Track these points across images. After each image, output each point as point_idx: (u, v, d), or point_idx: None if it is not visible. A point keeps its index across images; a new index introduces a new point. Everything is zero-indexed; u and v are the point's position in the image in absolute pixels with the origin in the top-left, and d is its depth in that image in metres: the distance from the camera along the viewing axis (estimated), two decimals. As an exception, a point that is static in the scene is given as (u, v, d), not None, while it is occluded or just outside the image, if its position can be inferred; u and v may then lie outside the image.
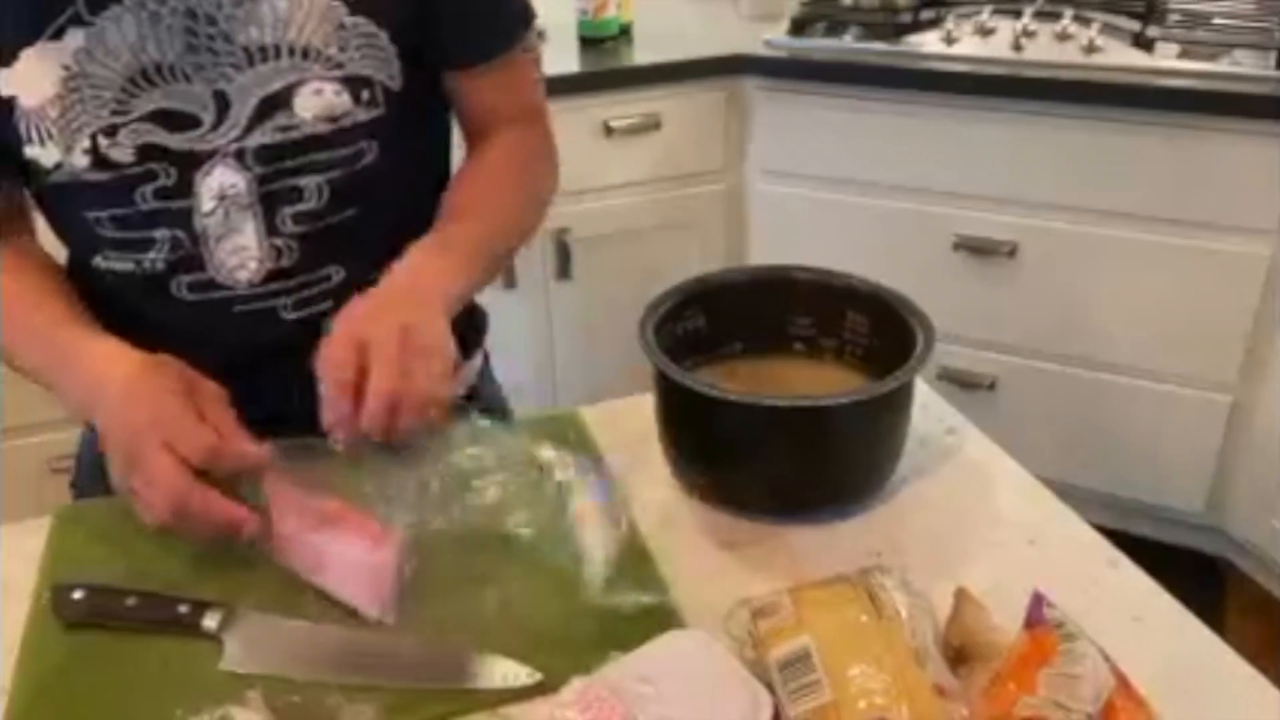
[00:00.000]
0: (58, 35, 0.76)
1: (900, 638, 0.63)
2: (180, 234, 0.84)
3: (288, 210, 0.85)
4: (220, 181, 0.82)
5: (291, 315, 0.89)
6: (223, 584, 0.77)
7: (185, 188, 0.83)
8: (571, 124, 1.97)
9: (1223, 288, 1.82)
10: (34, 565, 0.81)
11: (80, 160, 0.80)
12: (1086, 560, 0.79)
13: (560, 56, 2.04)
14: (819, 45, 2.01)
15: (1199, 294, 1.84)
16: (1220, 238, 1.79)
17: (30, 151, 0.81)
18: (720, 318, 0.94)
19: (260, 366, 0.84)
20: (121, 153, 0.80)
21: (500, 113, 0.97)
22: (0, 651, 0.73)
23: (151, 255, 0.85)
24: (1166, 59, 1.79)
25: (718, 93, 2.04)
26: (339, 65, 0.82)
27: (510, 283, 2.00)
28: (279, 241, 0.86)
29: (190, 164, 0.82)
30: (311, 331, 0.79)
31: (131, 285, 0.87)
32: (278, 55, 0.80)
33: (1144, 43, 1.81)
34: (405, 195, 0.91)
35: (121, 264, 0.87)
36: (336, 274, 0.89)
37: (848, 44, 1.99)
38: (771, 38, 2.02)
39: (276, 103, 0.81)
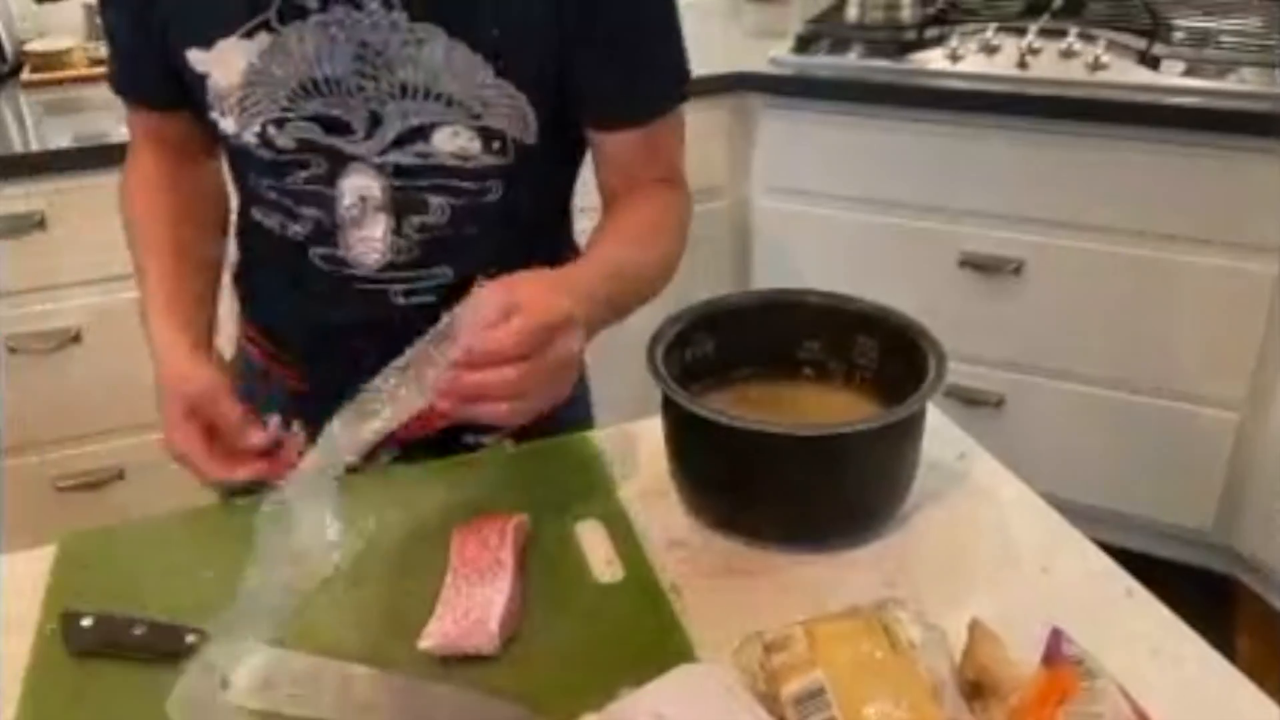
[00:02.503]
0: (249, 35, 0.88)
1: (916, 673, 0.62)
2: (323, 215, 0.96)
3: (414, 218, 0.95)
4: (360, 182, 0.94)
5: (401, 300, 0.98)
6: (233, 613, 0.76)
7: (331, 179, 0.94)
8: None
9: (1230, 305, 1.81)
10: (35, 595, 0.80)
11: (250, 139, 0.93)
12: (1101, 589, 0.79)
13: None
14: (824, 63, 2.01)
15: (1206, 311, 1.83)
16: (1227, 255, 1.78)
17: (212, 116, 0.94)
18: (729, 342, 0.93)
19: (367, 337, 0.91)
20: (284, 140, 0.92)
21: (639, 174, 0.98)
22: (1, 683, 0.73)
23: (296, 227, 0.98)
24: (1172, 76, 1.79)
25: (722, 110, 2.04)
26: (477, 116, 0.90)
27: None
28: (401, 241, 0.96)
29: (338, 162, 0.93)
30: (415, 315, 0.90)
31: (278, 242, 1.00)
32: (426, 97, 0.89)
33: (1149, 60, 1.81)
34: (521, 225, 0.99)
35: (270, 223, 0.99)
36: (445, 274, 0.98)
37: (852, 61, 1.99)
38: (776, 55, 2.02)
39: (417, 134, 0.91)
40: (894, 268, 1.99)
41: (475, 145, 0.91)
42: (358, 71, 0.88)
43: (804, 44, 2.04)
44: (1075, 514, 0.85)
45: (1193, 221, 1.79)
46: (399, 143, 0.91)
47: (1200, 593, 1.94)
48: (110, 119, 1.92)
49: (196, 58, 0.90)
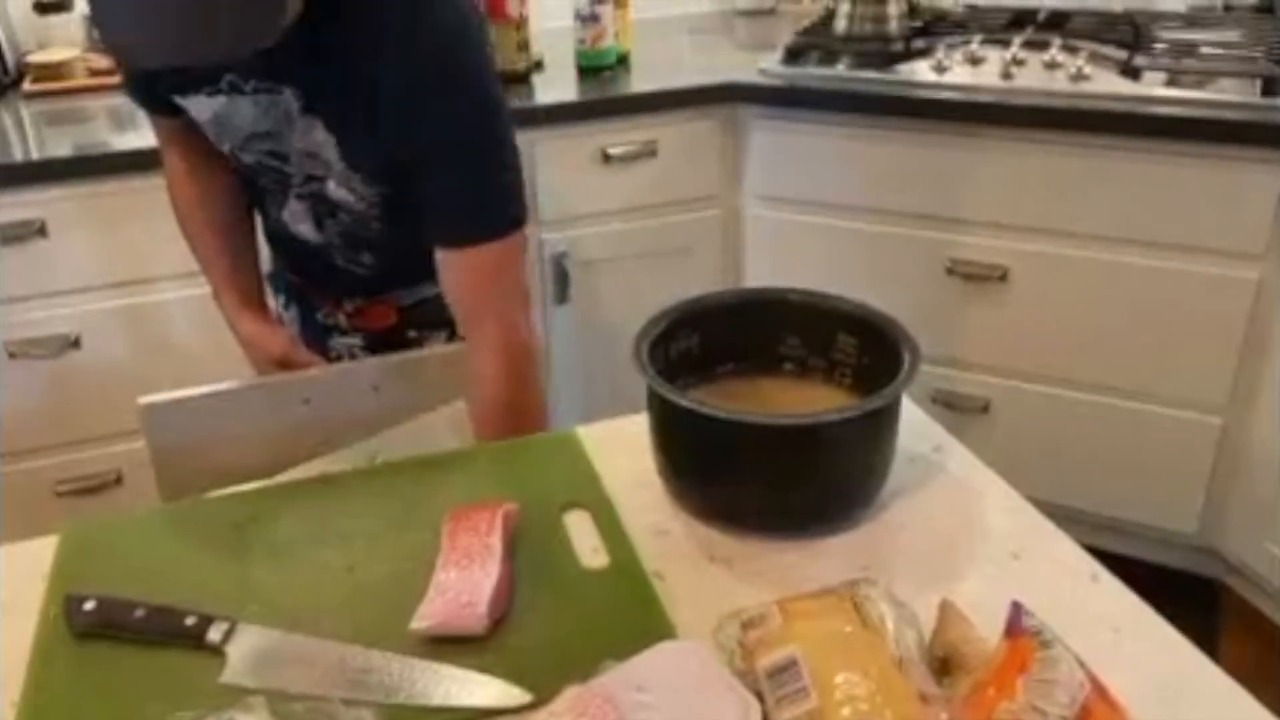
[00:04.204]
0: (211, 95, 1.14)
1: (884, 647, 0.65)
2: (276, 210, 1.28)
3: (329, 223, 1.25)
4: (292, 199, 1.24)
5: (340, 263, 1.30)
6: (229, 598, 0.79)
7: (281, 189, 1.24)
8: (570, 151, 2.00)
9: (1212, 311, 1.84)
10: (38, 581, 0.83)
11: (227, 153, 1.21)
12: (1069, 574, 0.81)
13: (559, 86, 2.08)
14: (813, 74, 2.04)
15: (1188, 317, 1.86)
16: (1208, 262, 1.81)
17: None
18: (713, 339, 0.96)
19: (318, 273, 1.34)
20: (249, 159, 1.20)
21: (468, 301, 1.17)
22: (6, 666, 0.75)
23: (273, 213, 1.29)
24: (1153, 87, 1.82)
25: (713, 120, 2.07)
26: (347, 178, 1.17)
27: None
28: (328, 235, 1.27)
29: (284, 179, 1.21)
30: (350, 268, 1.30)
31: (268, 217, 1.33)
32: (315, 162, 1.16)
33: (1131, 71, 1.85)
34: (413, 236, 1.18)
35: (262, 205, 1.32)
36: (368, 257, 1.29)
37: (841, 72, 2.03)
38: (766, 66, 2.06)
39: (316, 179, 1.19)
40: (882, 274, 2.02)
41: (352, 197, 1.18)
42: (279, 133, 1.14)
43: (793, 55, 2.08)
44: (1060, 518, 0.87)
45: (1174, 229, 1.82)
46: (305, 181, 1.20)
47: (1186, 597, 1.96)
48: (110, 129, 1.96)
49: (178, 99, 1.17)
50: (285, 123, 1.13)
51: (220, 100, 1.14)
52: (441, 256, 1.15)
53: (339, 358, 1.39)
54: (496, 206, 1.13)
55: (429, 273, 1.18)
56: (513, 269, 1.17)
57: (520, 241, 1.16)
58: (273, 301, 1.40)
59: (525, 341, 1.19)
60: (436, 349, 1.29)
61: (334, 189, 1.18)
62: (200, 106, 1.16)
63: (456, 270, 1.15)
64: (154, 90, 1.20)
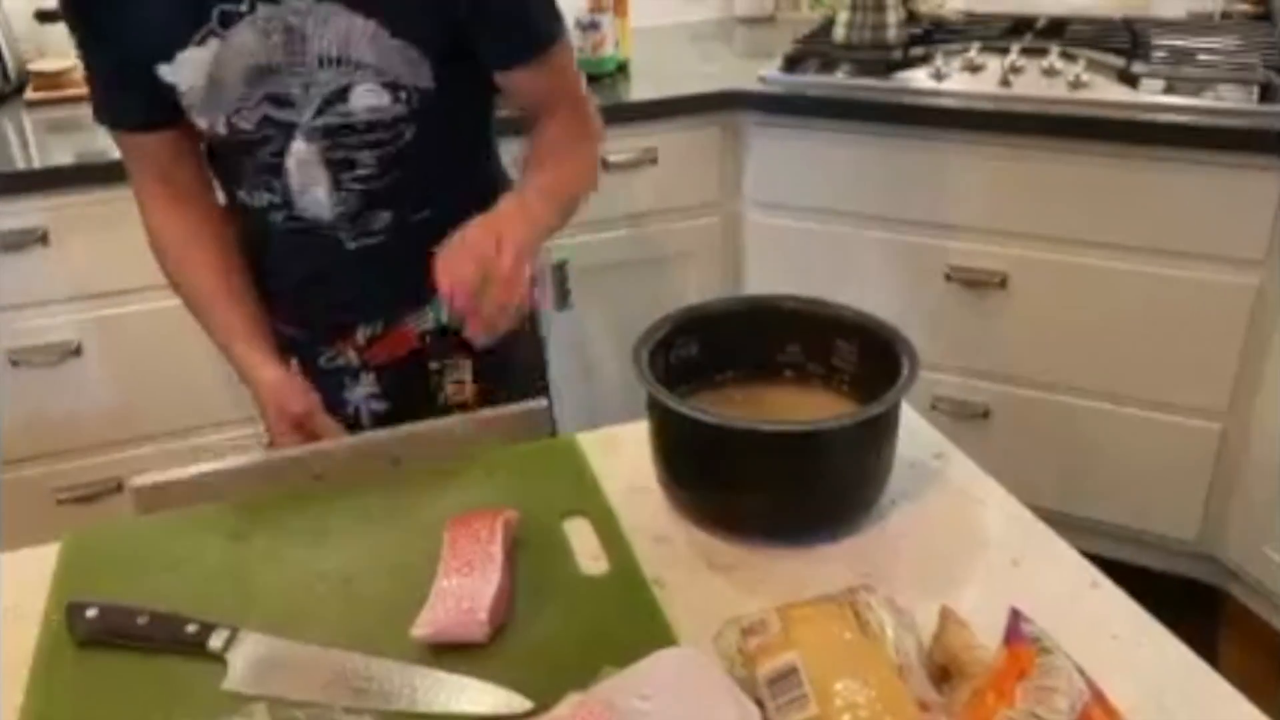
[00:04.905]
0: (201, 43, 1.04)
1: (884, 654, 0.65)
2: (279, 184, 1.14)
3: (348, 175, 1.13)
4: (299, 147, 1.10)
5: (352, 245, 1.17)
6: (230, 605, 0.79)
7: (283, 150, 1.11)
8: (569, 158, 2.01)
9: (1211, 317, 1.84)
10: (41, 589, 0.83)
11: (221, 129, 1.10)
12: (1068, 581, 0.81)
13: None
14: (812, 81, 2.05)
15: (1187, 323, 1.86)
16: (1207, 268, 1.82)
17: (192, 118, 1.11)
18: (712, 345, 0.96)
19: (327, 277, 1.21)
20: (247, 124, 1.09)
21: (543, 101, 1.18)
22: (8, 673, 0.75)
23: (267, 196, 1.15)
24: (1152, 94, 1.82)
25: (713, 127, 2.08)
26: (382, 73, 1.07)
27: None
28: (343, 194, 1.14)
29: (287, 133, 1.10)
30: (364, 255, 1.17)
31: (255, 213, 1.18)
32: (339, 64, 1.06)
33: (1129, 78, 1.85)
34: (438, 162, 1.16)
35: (247, 198, 1.17)
36: (385, 218, 1.17)
37: (840, 80, 2.03)
38: (766, 74, 2.06)
39: (338, 97, 1.08)
40: (882, 281, 2.03)
41: (385, 99, 1.08)
42: (287, 53, 1.05)
43: (793, 63, 2.08)
44: (1060, 525, 0.87)
45: (1173, 235, 1.82)
46: (324, 109, 1.08)
47: (1186, 603, 1.96)
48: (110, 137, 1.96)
49: (164, 71, 1.06)
50: (293, 38, 1.04)
51: (213, 47, 1.04)
52: (520, 78, 1.15)
53: (355, 418, 1.25)
54: (550, 9, 1.15)
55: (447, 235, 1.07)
56: (572, 67, 1.22)
57: (569, 45, 1.19)
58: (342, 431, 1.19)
59: (597, 125, 1.25)
60: (461, 418, 1.14)
61: (361, 97, 1.08)
62: (191, 67, 1.05)
63: (545, 81, 1.16)
64: (130, 87, 1.09)
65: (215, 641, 0.75)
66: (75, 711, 0.72)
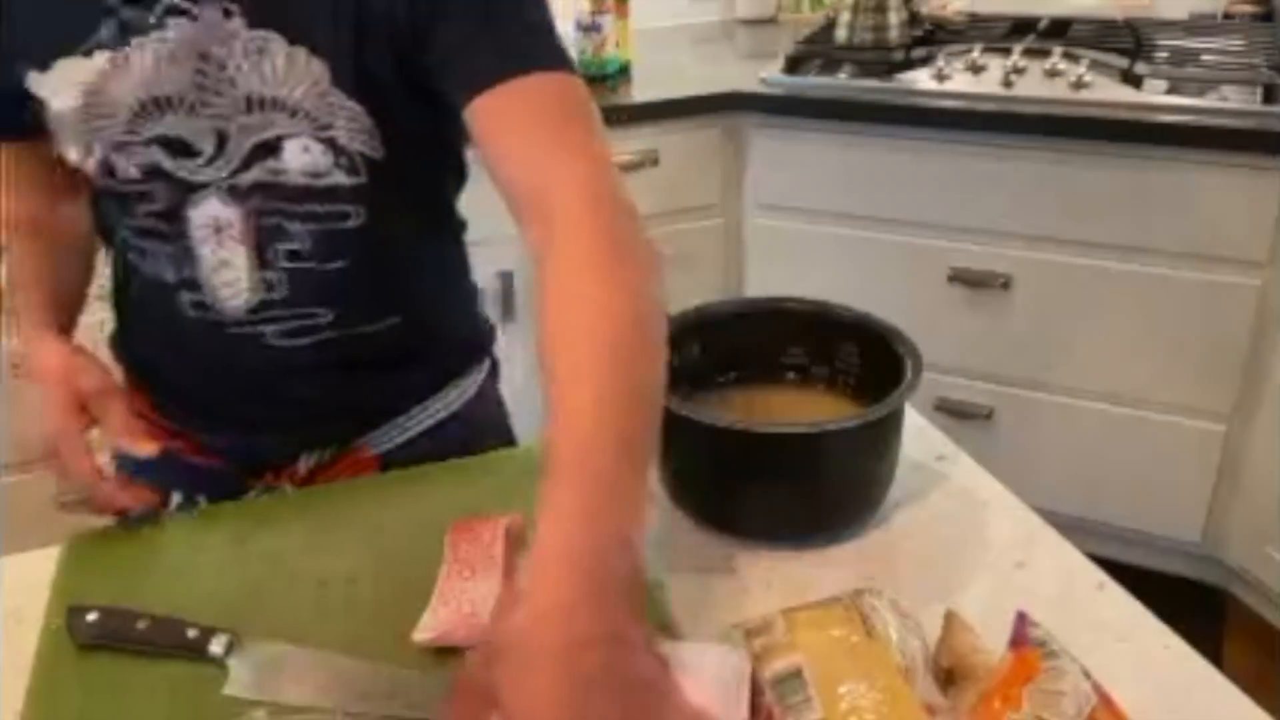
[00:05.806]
0: (87, 54, 0.82)
1: (889, 657, 0.65)
2: (177, 252, 0.90)
3: (276, 246, 0.88)
4: (211, 211, 0.87)
5: (277, 342, 0.92)
6: (231, 610, 0.79)
7: (175, 213, 0.88)
8: (571, 161, 2.00)
9: (1214, 318, 1.84)
10: (42, 592, 0.83)
11: (93, 167, 0.87)
12: (1074, 583, 0.81)
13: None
14: (814, 83, 2.05)
15: (1191, 325, 1.86)
16: (1211, 269, 1.82)
17: (59, 147, 0.88)
18: (715, 348, 0.96)
19: (242, 383, 0.95)
20: (127, 169, 0.86)
21: (538, 160, 0.78)
22: (8, 677, 0.75)
23: (159, 266, 0.91)
24: (1155, 95, 1.82)
25: (715, 129, 2.08)
26: (325, 127, 0.84)
27: (510, 315, 2.03)
28: (270, 275, 0.89)
29: (185, 190, 0.87)
30: (293, 358, 0.91)
31: (148, 292, 0.95)
32: (273, 108, 0.83)
33: (1132, 79, 1.85)
34: (396, 252, 0.94)
35: (139, 269, 0.94)
36: (322, 315, 0.92)
37: (842, 81, 2.03)
38: (767, 75, 2.06)
39: (266, 150, 0.85)
40: (885, 283, 2.02)
41: (326, 160, 0.85)
42: (199, 87, 0.82)
43: (794, 65, 2.08)
44: (1065, 526, 0.87)
45: (1176, 236, 1.82)
46: (248, 163, 0.85)
47: (1190, 605, 1.96)
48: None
49: (35, 80, 0.84)
50: (218, 63, 0.81)
51: (99, 62, 0.81)
52: (504, 106, 0.79)
53: None
54: (545, 16, 0.83)
55: (408, 341, 0.91)
56: (581, 111, 0.82)
57: (583, 89, 0.83)
58: (153, 448, 0.92)
59: (617, 192, 0.81)
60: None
61: (295, 155, 0.84)
62: (67, 82, 0.83)
63: (533, 116, 0.79)
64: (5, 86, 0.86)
65: (216, 646, 0.74)
66: (76, 716, 0.72)
